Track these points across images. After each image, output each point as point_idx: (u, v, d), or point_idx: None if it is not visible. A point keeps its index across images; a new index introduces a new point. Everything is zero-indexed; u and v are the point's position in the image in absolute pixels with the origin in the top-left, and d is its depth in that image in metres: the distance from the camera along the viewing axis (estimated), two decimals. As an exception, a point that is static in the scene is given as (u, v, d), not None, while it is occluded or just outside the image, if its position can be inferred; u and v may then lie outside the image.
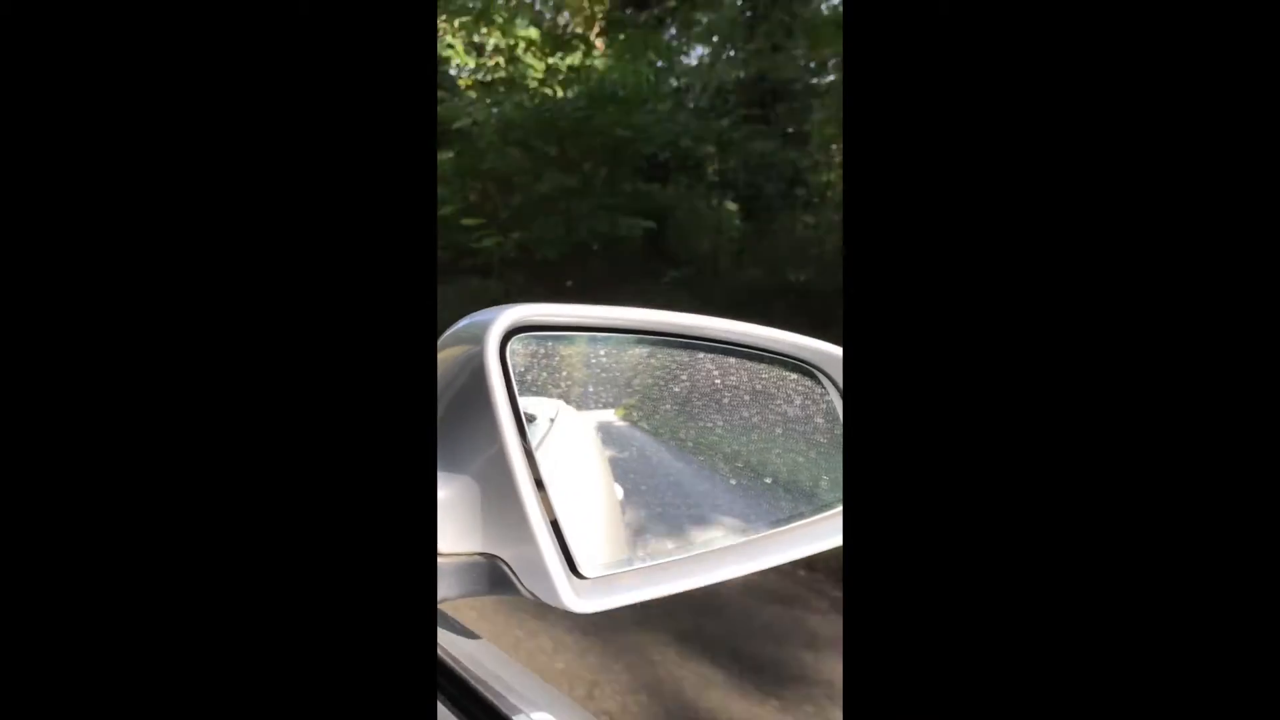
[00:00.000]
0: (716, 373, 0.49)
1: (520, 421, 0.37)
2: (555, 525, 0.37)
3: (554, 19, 6.38)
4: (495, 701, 0.45)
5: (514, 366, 0.38)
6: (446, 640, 0.52)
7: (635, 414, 0.46)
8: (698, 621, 2.01)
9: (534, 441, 0.37)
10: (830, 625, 2.07)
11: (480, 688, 0.46)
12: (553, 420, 0.41)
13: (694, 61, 5.97)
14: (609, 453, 0.45)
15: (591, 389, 0.45)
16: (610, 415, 0.45)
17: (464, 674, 0.47)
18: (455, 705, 0.45)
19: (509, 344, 0.38)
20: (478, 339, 0.37)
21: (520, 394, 0.38)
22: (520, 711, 0.44)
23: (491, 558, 0.38)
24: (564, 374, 0.43)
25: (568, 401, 0.44)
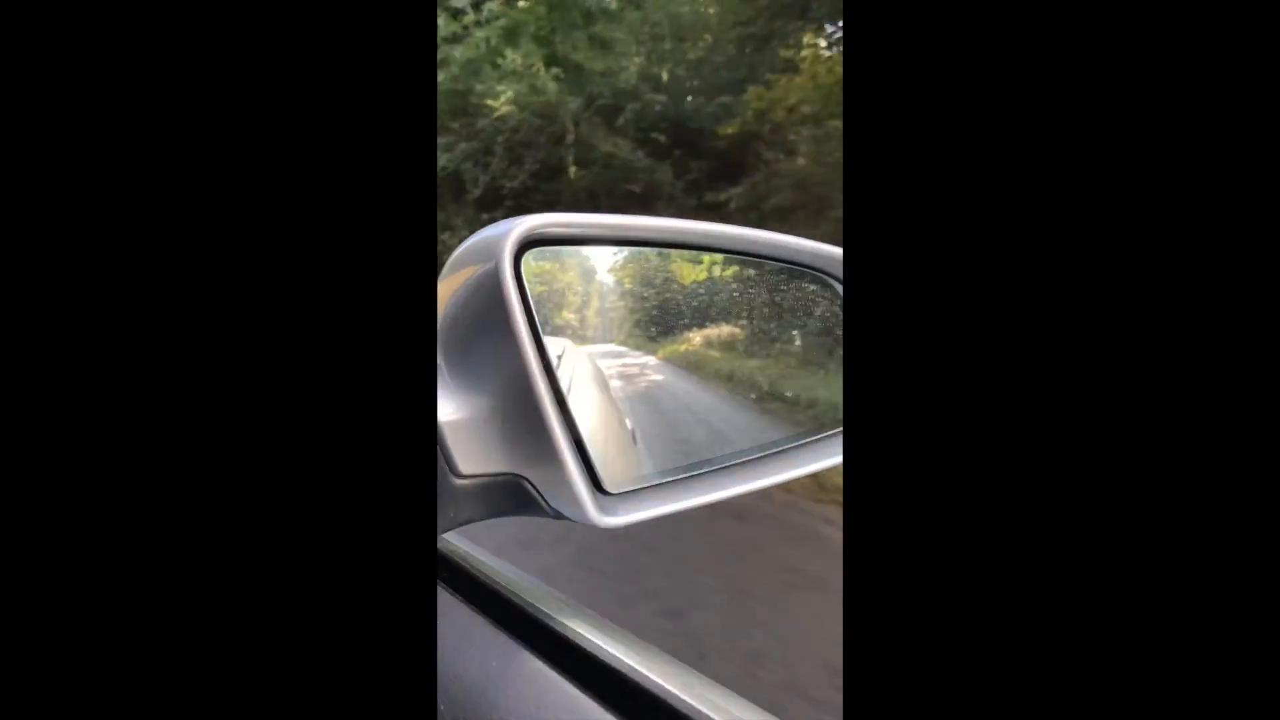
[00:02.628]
0: (735, 285, 0.48)
1: (539, 337, 0.36)
2: (579, 442, 0.37)
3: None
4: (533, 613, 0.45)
5: (529, 280, 0.37)
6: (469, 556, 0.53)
7: (645, 339, 0.45)
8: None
9: None
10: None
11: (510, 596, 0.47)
12: (559, 357, 0.40)
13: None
14: (617, 385, 0.44)
15: (607, 303, 0.44)
16: (616, 347, 0.44)
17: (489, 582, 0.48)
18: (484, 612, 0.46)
19: (523, 257, 0.37)
20: (492, 254, 0.36)
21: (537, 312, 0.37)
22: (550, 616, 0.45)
23: (515, 477, 0.38)
24: (579, 288, 0.42)
25: (581, 322, 0.43)
